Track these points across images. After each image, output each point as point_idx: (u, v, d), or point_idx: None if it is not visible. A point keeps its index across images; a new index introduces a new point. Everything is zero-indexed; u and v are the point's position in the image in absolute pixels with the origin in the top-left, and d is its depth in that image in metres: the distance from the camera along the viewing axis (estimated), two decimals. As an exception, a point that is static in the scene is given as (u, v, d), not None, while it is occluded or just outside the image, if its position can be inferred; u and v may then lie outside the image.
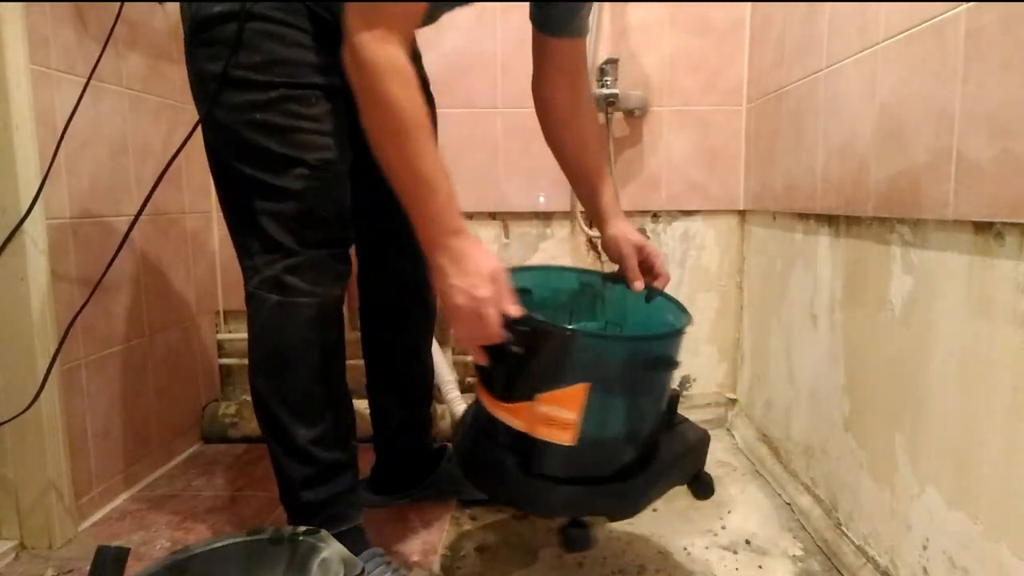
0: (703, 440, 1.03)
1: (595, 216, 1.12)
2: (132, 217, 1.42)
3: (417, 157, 0.80)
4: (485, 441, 0.94)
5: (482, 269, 0.81)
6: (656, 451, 0.95)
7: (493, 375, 0.90)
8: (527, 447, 0.89)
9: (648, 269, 1.05)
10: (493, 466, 0.92)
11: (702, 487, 1.02)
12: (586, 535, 0.91)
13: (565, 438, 0.88)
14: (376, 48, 0.79)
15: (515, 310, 0.82)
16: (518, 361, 0.85)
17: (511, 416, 0.89)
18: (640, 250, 1.05)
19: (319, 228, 0.95)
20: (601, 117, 1.66)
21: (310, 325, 0.96)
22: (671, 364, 0.93)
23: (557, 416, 0.87)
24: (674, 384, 1.03)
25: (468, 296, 0.80)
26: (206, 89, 0.94)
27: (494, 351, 0.85)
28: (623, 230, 1.06)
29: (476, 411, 0.97)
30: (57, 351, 1.13)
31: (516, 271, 0.99)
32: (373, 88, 0.79)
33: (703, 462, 1.03)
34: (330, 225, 0.97)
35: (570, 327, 0.92)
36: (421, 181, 0.80)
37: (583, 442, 0.87)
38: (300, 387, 0.98)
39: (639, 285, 1.03)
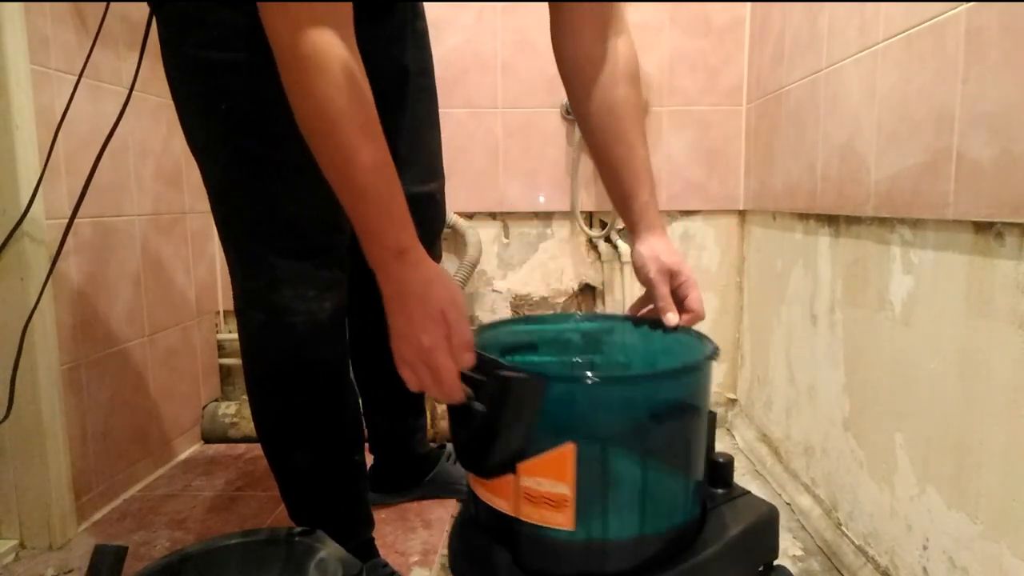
0: (770, 519, 0.78)
1: (628, 221, 0.88)
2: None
3: (348, 162, 0.66)
4: (470, 530, 0.75)
5: (429, 305, 0.66)
6: (697, 536, 0.73)
7: (467, 443, 0.72)
8: (515, 535, 0.69)
9: (679, 300, 0.83)
10: (481, 561, 0.72)
11: None
12: None
13: (561, 520, 0.67)
14: (300, 35, 0.64)
15: (470, 357, 0.66)
16: (485, 421, 0.67)
17: (494, 496, 0.70)
18: (674, 277, 0.83)
19: (298, 236, 0.85)
20: (601, 117, 1.66)
21: (303, 345, 0.87)
22: (693, 411, 0.70)
23: (546, 491, 0.66)
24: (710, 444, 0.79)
25: (414, 347, 0.66)
26: (168, 79, 0.85)
27: (459, 412, 0.69)
28: (657, 248, 0.83)
29: (468, 492, 0.78)
30: (18, 354, 1.11)
31: (511, 324, 0.86)
32: (297, 83, 0.66)
33: (774, 550, 0.79)
34: (311, 232, 0.86)
35: (539, 372, 0.68)
36: (355, 191, 0.67)
37: (585, 526, 0.67)
38: (298, 408, 0.91)
39: (671, 318, 0.81)
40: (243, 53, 0.79)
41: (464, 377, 0.67)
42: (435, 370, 0.66)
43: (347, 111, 0.65)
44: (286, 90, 0.67)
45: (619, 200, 0.88)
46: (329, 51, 0.65)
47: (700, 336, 0.79)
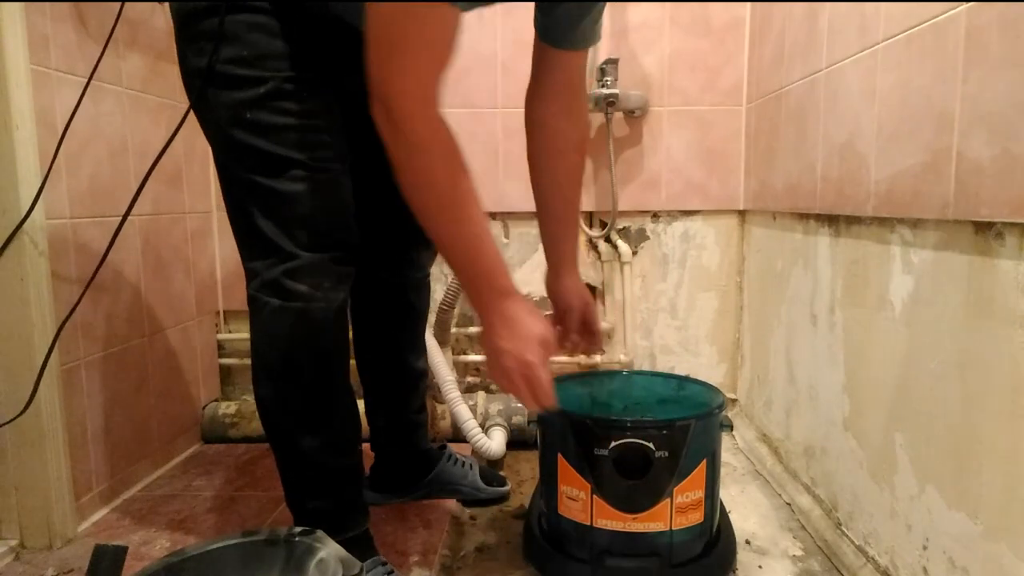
0: None
1: (553, 260, 1.10)
2: (133, 216, 1.43)
3: (462, 222, 0.81)
4: (616, 559, 1.00)
5: (532, 333, 0.83)
6: None
7: (632, 491, 0.97)
8: (665, 545, 0.99)
9: (587, 326, 1.10)
10: None
11: None
12: None
13: (697, 516, 1.00)
14: (417, 118, 0.76)
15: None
16: (664, 463, 0.95)
17: (648, 522, 0.98)
18: (587, 307, 1.09)
19: (319, 231, 0.92)
20: (601, 117, 1.66)
21: (313, 330, 0.93)
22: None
23: (691, 500, 0.98)
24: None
25: (517, 360, 0.82)
26: (193, 87, 0.91)
27: (626, 467, 0.94)
28: (578, 285, 1.10)
29: (579, 536, 1.02)
30: (48, 355, 1.13)
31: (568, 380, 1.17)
32: (416, 165, 0.78)
33: None
34: (330, 228, 0.93)
35: (687, 415, 1.01)
36: (468, 245, 0.82)
37: (706, 513, 1.01)
38: (305, 393, 0.95)
39: (575, 339, 1.10)
40: (270, 72, 0.88)
41: (640, 434, 0.95)
42: (533, 379, 0.83)
43: (459, 184, 0.80)
44: (394, 161, 0.79)
45: (550, 240, 1.10)
46: (440, 129, 0.78)
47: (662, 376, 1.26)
